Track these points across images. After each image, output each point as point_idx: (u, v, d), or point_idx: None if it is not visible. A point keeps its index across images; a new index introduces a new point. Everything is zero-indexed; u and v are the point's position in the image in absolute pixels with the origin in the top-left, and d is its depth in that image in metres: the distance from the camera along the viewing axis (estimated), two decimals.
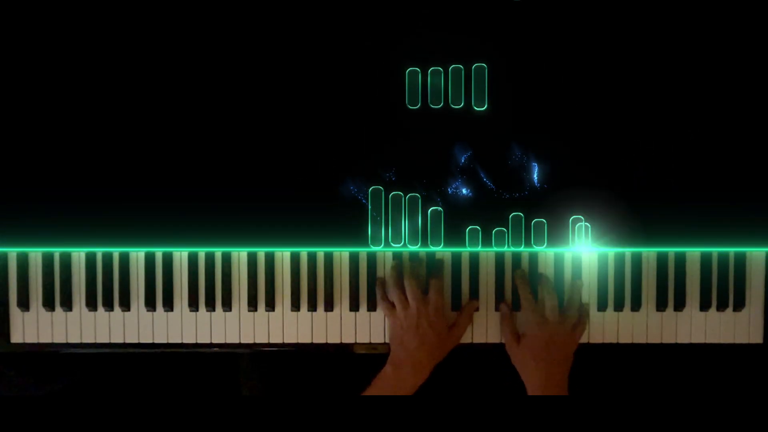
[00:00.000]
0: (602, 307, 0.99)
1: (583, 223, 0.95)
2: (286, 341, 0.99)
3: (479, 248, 0.96)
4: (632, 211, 0.95)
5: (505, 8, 0.93)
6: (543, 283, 0.97)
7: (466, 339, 0.99)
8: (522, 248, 0.96)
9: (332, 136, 0.95)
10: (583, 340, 0.99)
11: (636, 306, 0.99)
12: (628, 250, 0.98)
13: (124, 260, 0.99)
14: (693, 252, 0.99)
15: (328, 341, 1.00)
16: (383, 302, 0.97)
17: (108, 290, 0.99)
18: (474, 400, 0.79)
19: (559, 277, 0.99)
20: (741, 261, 0.99)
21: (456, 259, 0.99)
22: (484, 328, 0.99)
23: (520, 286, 0.97)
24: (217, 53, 0.94)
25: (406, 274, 0.96)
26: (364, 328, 1.00)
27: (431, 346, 0.94)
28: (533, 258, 0.99)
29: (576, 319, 0.96)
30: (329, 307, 0.99)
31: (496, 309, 0.99)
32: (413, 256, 0.98)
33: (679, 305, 0.99)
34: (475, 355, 1.00)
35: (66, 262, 0.99)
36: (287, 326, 0.99)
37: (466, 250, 0.97)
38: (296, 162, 0.95)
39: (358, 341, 1.00)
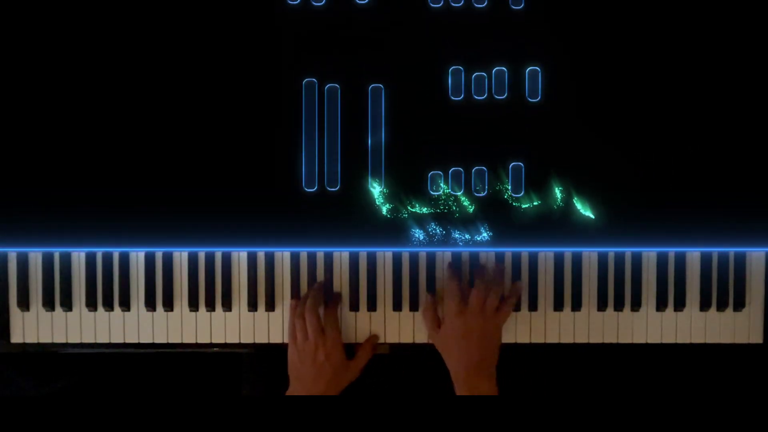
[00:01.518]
0: (602, 306, 0.99)
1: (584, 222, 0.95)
2: (285, 341, 0.99)
3: (484, 248, 0.96)
4: (632, 211, 0.95)
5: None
6: (477, 272, 0.96)
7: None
8: (525, 248, 0.96)
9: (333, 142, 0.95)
10: (583, 339, 1.00)
11: (636, 306, 0.99)
12: (628, 250, 0.98)
13: (124, 260, 0.99)
14: (693, 252, 0.99)
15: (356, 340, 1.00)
16: (290, 329, 0.97)
17: (108, 290, 0.99)
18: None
19: (559, 276, 0.99)
20: (741, 261, 0.99)
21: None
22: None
23: (447, 277, 0.97)
24: (218, 57, 0.94)
25: (307, 306, 0.96)
26: (364, 328, 1.00)
27: (327, 381, 0.94)
28: (532, 257, 0.99)
29: (497, 303, 0.94)
30: (328, 298, 0.99)
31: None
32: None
33: (679, 305, 0.99)
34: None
35: (66, 262, 0.99)
36: (287, 326, 0.99)
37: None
38: (296, 162, 0.95)
39: (357, 341, 1.00)
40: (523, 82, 0.93)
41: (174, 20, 0.93)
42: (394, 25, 0.93)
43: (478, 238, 0.93)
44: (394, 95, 0.93)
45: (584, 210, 0.93)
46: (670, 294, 0.99)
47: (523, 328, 1.00)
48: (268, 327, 1.00)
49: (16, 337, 0.99)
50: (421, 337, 1.00)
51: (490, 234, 0.93)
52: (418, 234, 0.93)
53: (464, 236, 0.93)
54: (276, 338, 1.00)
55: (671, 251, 0.99)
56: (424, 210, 0.93)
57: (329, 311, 0.97)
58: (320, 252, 0.99)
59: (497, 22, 0.93)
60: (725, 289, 0.99)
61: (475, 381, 0.92)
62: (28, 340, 0.99)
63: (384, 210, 0.93)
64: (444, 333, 0.95)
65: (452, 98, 0.93)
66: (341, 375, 0.96)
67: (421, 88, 0.93)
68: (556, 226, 0.94)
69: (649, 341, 1.00)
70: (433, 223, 0.93)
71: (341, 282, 1.00)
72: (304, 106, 0.93)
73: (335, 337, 0.96)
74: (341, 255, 0.99)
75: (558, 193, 0.93)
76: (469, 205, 0.93)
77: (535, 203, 0.94)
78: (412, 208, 0.93)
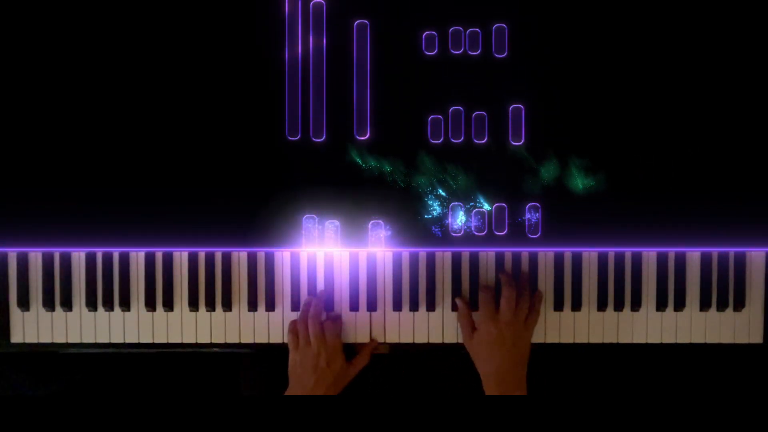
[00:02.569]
0: (602, 306, 0.99)
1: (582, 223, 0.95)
2: (285, 341, 0.99)
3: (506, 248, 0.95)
4: (632, 211, 0.95)
5: None
6: (504, 280, 0.97)
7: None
8: (526, 249, 0.96)
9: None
10: (583, 339, 0.99)
11: (636, 306, 0.99)
12: (628, 250, 0.98)
13: (124, 260, 0.99)
14: (693, 252, 0.99)
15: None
16: (290, 335, 0.98)
17: (108, 290, 0.99)
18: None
19: (559, 276, 0.99)
20: (741, 261, 0.99)
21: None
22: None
23: (481, 288, 0.98)
24: (215, 60, 0.94)
25: (310, 314, 0.97)
26: (364, 328, 1.00)
27: (327, 385, 0.96)
28: (533, 257, 0.99)
29: (527, 312, 0.96)
30: (329, 307, 0.99)
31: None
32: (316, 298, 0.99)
33: (679, 305, 0.99)
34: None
35: (66, 262, 0.99)
36: (287, 326, 0.99)
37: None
38: (295, 162, 0.95)
39: (358, 341, 1.00)
40: (524, 220, 0.95)
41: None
42: (394, 160, 0.95)
43: None
44: (394, 232, 0.95)
45: (580, 180, 0.94)
46: (670, 294, 0.99)
47: None
48: (268, 327, 1.00)
49: (16, 337, 0.99)
50: (421, 337, 1.00)
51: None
52: None
53: None
54: (276, 338, 1.00)
55: (671, 251, 0.99)
56: None
57: (331, 319, 0.98)
58: (320, 252, 0.99)
59: (497, 161, 0.95)
60: (725, 289, 0.99)
61: (505, 386, 0.93)
62: (28, 340, 0.99)
63: None
64: (478, 339, 0.96)
65: (453, 234, 0.96)
66: (340, 380, 0.97)
67: (421, 227, 0.96)
68: (558, 224, 0.95)
69: (649, 341, 1.00)
70: None
71: (341, 282, 1.00)
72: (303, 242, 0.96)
73: (336, 344, 0.97)
74: (341, 254, 0.99)
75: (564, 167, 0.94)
76: None
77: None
78: None
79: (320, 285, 1.00)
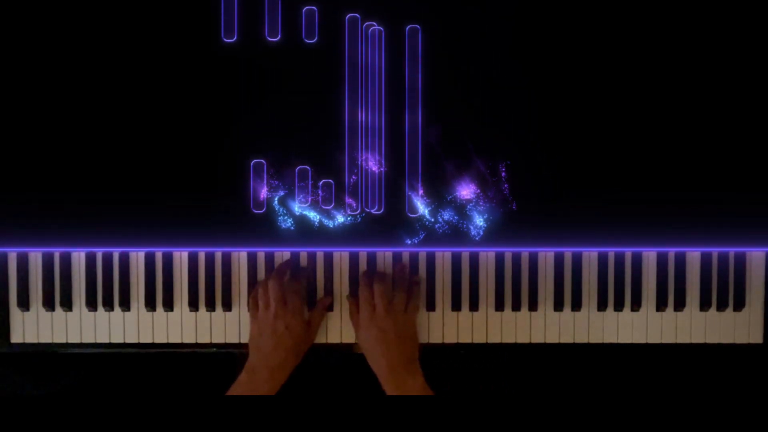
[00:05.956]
0: (602, 306, 0.99)
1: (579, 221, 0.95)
2: None
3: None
4: (632, 211, 0.95)
5: None
6: (377, 277, 0.97)
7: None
8: (526, 249, 0.96)
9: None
10: (583, 339, 0.99)
11: (636, 306, 0.99)
12: (628, 250, 0.98)
13: (124, 260, 0.99)
14: (693, 252, 0.99)
15: (329, 341, 1.00)
16: (251, 301, 0.97)
17: (108, 290, 0.99)
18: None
19: (559, 276, 0.99)
20: (741, 261, 0.99)
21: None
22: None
23: (360, 285, 0.98)
24: (210, 60, 0.94)
25: (272, 277, 0.96)
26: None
27: (286, 350, 0.94)
28: (533, 257, 0.99)
29: (405, 300, 0.96)
30: (329, 307, 0.99)
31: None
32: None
33: (679, 305, 0.99)
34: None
35: (66, 262, 0.99)
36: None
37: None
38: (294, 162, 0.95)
39: (357, 341, 1.00)
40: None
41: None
42: None
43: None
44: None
45: None
46: (670, 294, 0.99)
47: (523, 328, 1.00)
48: None
49: (16, 337, 0.99)
50: (422, 337, 1.00)
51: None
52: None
53: None
54: None
55: (671, 251, 0.99)
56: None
57: (293, 281, 0.97)
58: (320, 252, 0.99)
59: None
60: (725, 289, 0.99)
61: (399, 379, 0.93)
62: (28, 340, 0.99)
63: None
64: (362, 337, 0.97)
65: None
66: (301, 344, 0.96)
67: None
68: (556, 225, 0.95)
69: (649, 341, 1.00)
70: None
71: (341, 281, 1.00)
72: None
73: (296, 305, 0.95)
74: (341, 255, 0.99)
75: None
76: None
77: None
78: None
79: (320, 285, 1.00)
